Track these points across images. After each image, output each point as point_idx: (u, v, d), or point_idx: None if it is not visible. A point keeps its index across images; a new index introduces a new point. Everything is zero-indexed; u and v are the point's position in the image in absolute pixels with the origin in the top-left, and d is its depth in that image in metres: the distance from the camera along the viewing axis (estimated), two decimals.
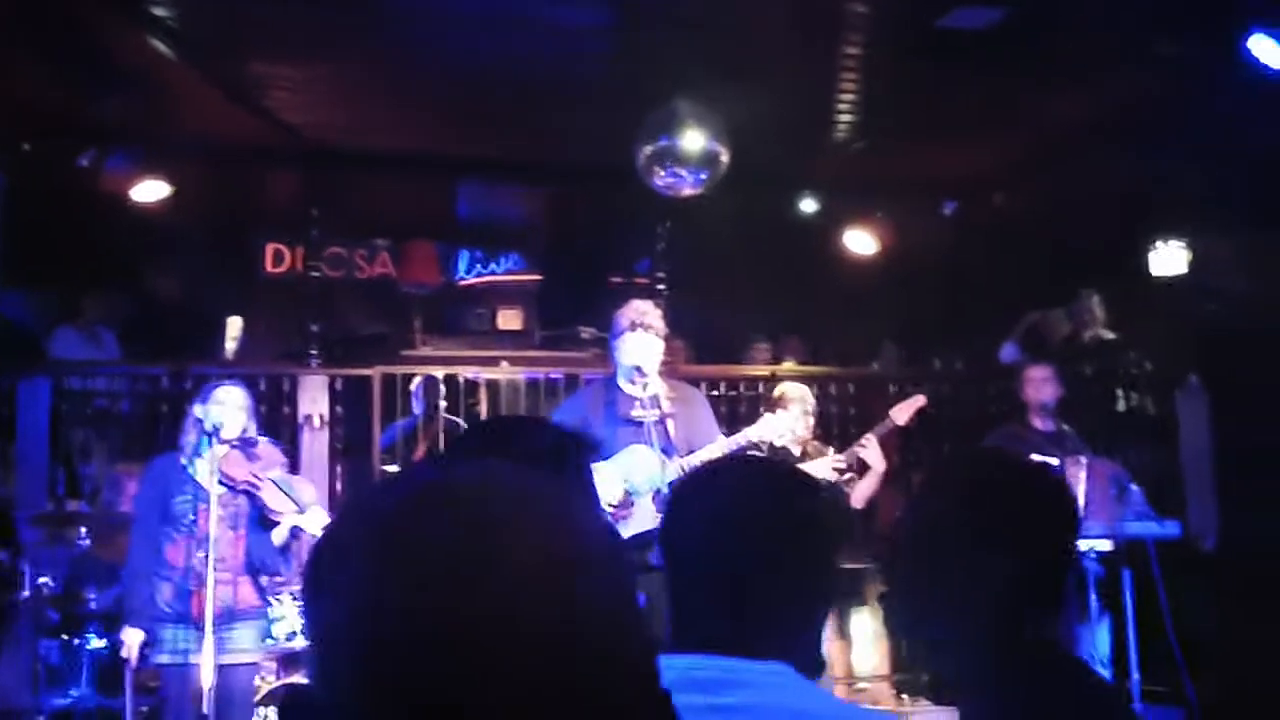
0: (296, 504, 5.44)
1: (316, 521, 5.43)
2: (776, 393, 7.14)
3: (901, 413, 7.01)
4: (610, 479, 5.34)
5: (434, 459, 8.08)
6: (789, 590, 1.73)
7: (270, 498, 5.39)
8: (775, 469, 2.01)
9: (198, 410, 5.51)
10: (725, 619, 1.66)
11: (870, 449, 6.76)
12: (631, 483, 5.35)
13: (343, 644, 0.84)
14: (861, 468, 6.83)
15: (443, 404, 8.64)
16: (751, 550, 1.70)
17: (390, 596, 0.83)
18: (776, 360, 10.27)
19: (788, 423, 5.95)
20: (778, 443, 6.42)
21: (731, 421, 8.82)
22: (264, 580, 5.58)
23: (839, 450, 7.12)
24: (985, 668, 1.85)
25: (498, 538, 0.84)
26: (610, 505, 5.30)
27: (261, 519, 5.41)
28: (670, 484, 5.22)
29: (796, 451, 6.88)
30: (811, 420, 7.03)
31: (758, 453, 5.70)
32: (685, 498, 1.84)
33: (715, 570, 1.68)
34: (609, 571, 0.89)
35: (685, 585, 1.70)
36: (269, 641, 5.89)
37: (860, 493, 6.87)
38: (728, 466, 2.34)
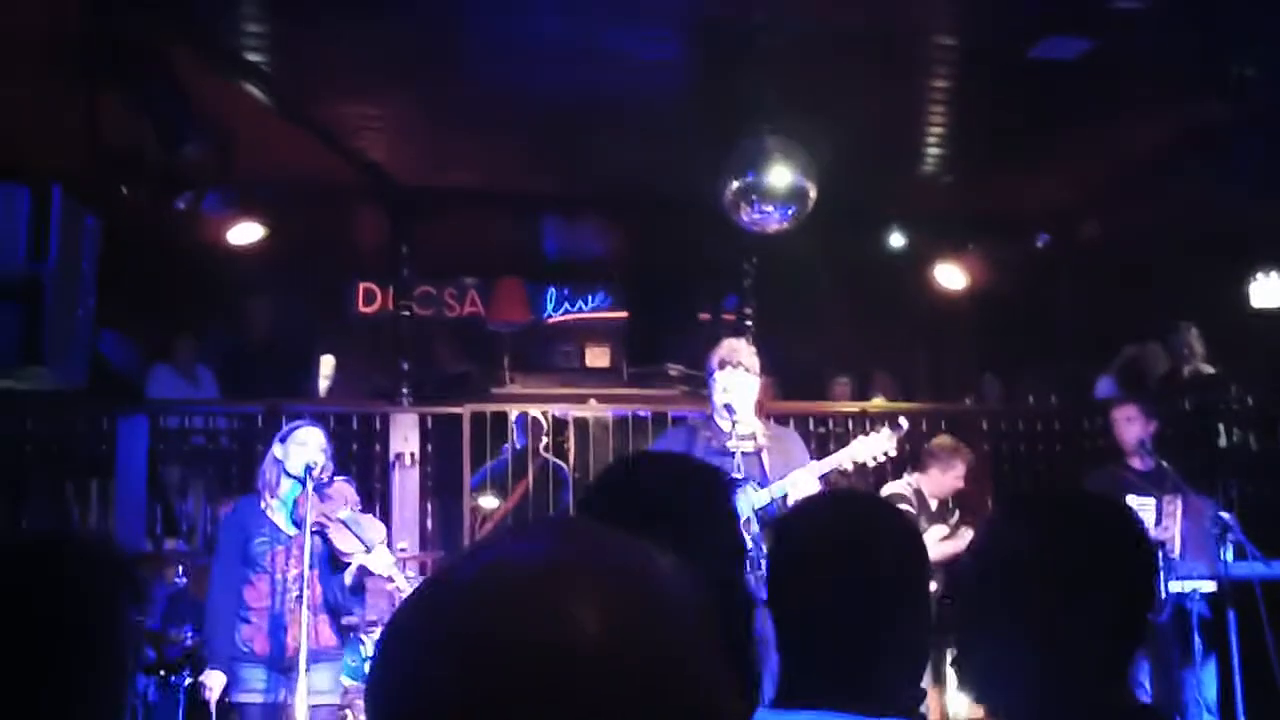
0: (364, 543, 5.45)
1: (382, 561, 5.43)
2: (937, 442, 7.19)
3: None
4: None
5: (519, 529, 8.11)
6: (905, 636, 1.68)
7: (338, 538, 5.41)
8: (882, 503, 1.92)
9: (277, 450, 5.57)
10: (842, 669, 1.60)
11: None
12: None
13: None
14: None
15: (544, 441, 8.70)
16: (869, 591, 1.64)
17: (438, 689, 0.81)
18: (864, 396, 10.18)
19: (880, 444, 5.87)
20: (869, 460, 6.35)
21: (821, 457, 8.76)
22: (343, 620, 5.60)
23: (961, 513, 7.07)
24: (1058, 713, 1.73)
25: (552, 632, 0.81)
26: None
27: (332, 559, 5.44)
28: (770, 514, 5.19)
29: (939, 506, 6.89)
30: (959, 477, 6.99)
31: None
32: (794, 528, 1.78)
33: (830, 614, 1.62)
34: (688, 650, 0.85)
35: (797, 632, 1.64)
36: (347, 681, 5.90)
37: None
38: (836, 498, 2.25)
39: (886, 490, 6.88)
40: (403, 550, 6.80)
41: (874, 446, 5.84)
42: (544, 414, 9.00)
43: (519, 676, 0.79)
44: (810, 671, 1.60)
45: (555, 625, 0.81)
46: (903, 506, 6.17)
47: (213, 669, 5.36)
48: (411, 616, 0.87)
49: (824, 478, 5.60)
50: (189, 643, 6.50)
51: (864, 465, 6.16)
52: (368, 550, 5.45)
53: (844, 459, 5.75)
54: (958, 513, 7.07)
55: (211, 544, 7.36)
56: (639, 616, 0.84)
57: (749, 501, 5.28)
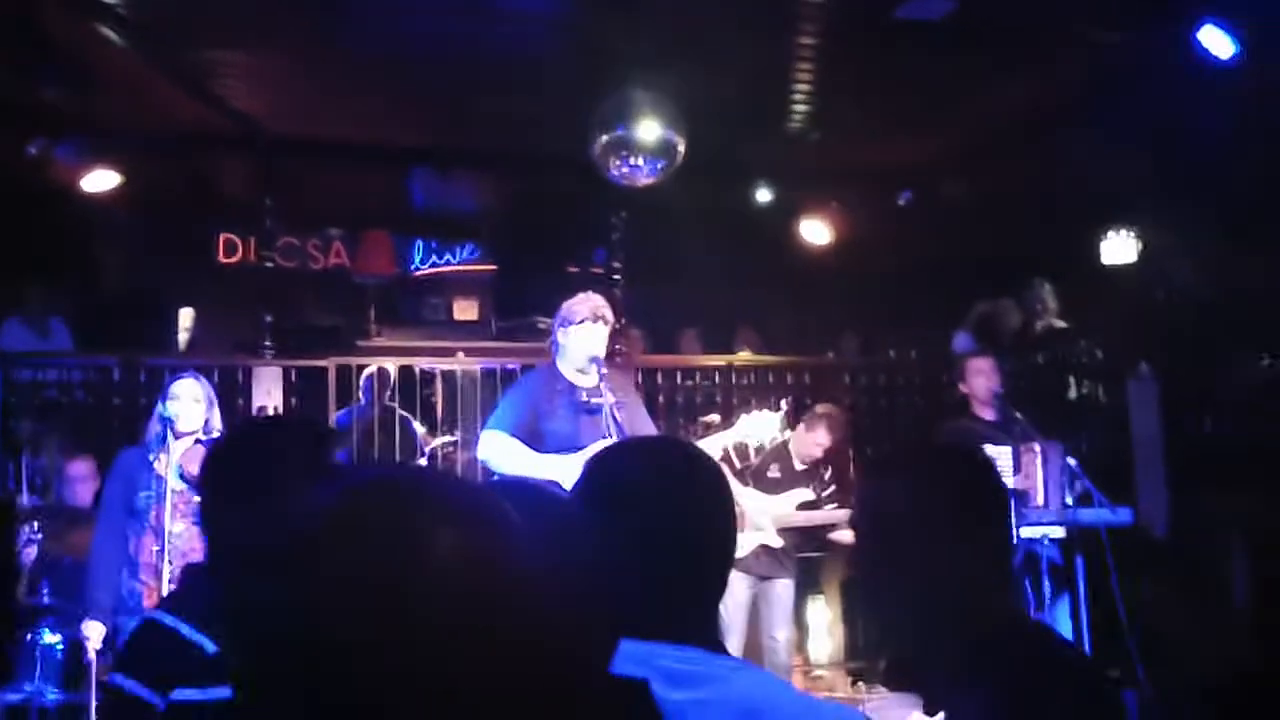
0: None
1: None
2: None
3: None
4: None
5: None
6: (709, 571, 1.79)
7: None
8: (683, 449, 2.00)
9: (160, 407, 5.47)
10: (658, 604, 1.67)
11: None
12: None
13: (271, 651, 0.85)
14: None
15: (389, 395, 8.62)
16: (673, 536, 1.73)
17: (314, 610, 0.83)
18: (729, 349, 10.31)
19: (764, 427, 5.94)
20: (753, 442, 6.45)
21: (687, 412, 8.87)
22: None
23: (833, 477, 7.19)
24: (957, 649, 1.93)
25: (419, 549, 0.85)
26: None
27: None
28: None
29: (807, 466, 6.99)
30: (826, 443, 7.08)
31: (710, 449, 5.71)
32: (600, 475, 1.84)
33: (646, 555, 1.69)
34: (530, 578, 0.89)
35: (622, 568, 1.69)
36: None
37: (839, 539, 6.99)
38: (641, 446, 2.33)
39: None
40: None
41: (759, 429, 5.91)
42: (410, 366, 8.94)
43: (377, 600, 0.83)
44: (634, 604, 1.67)
45: (411, 548, 0.85)
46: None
47: (93, 619, 5.26)
48: (285, 540, 0.89)
49: None
50: (45, 599, 6.34)
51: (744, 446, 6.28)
52: None
53: (729, 439, 5.83)
54: (829, 473, 7.18)
55: (65, 501, 7.21)
56: (487, 545, 0.88)
57: None
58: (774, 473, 6.94)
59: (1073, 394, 8.64)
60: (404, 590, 0.83)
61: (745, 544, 6.79)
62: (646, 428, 5.68)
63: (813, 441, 7.02)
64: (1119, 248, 9.26)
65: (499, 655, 0.84)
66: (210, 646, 2.14)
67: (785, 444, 7.05)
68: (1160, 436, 7.52)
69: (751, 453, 6.87)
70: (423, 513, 0.88)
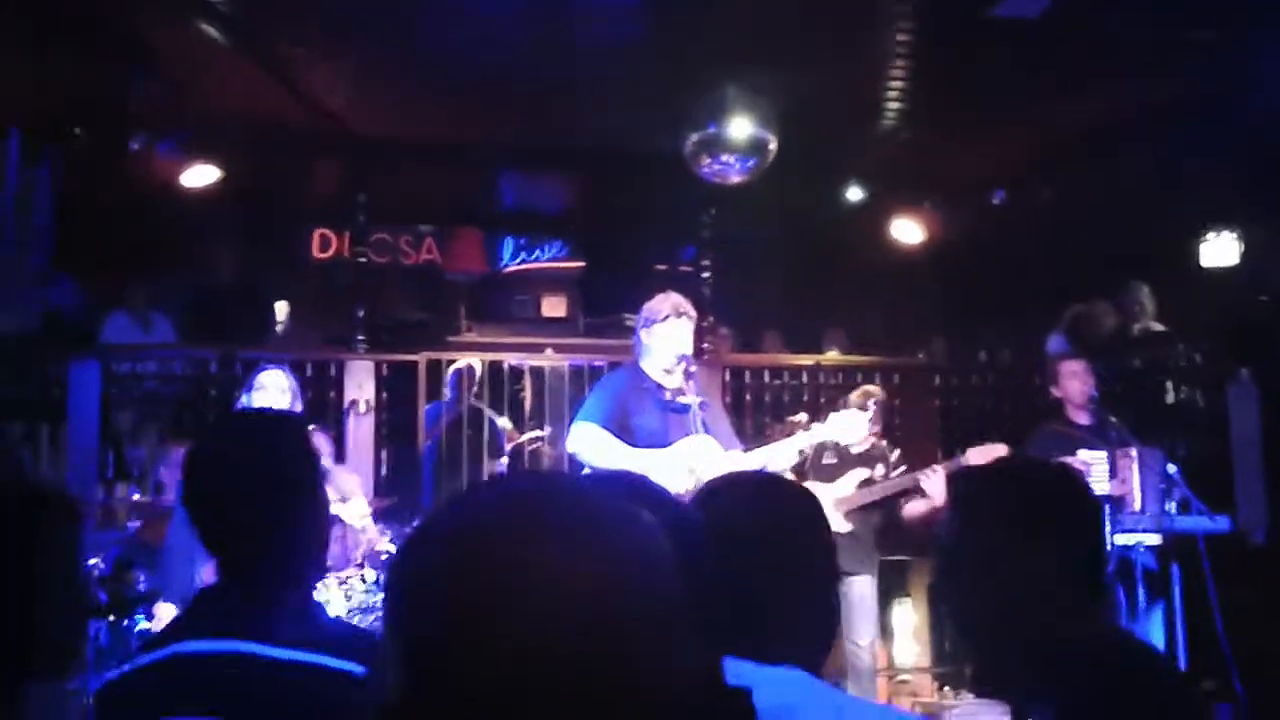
0: (339, 493, 5.45)
1: (356, 512, 5.44)
2: (857, 392, 7.10)
3: (978, 456, 6.86)
4: (674, 468, 5.29)
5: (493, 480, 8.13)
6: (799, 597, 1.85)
7: None
8: (775, 485, 2.10)
9: (244, 400, 5.55)
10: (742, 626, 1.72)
11: (934, 480, 6.63)
12: (698, 473, 5.32)
13: (426, 655, 0.86)
14: (919, 489, 6.72)
15: (473, 392, 8.68)
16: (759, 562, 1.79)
17: (445, 621, 0.84)
18: (818, 350, 10.25)
19: (852, 426, 5.88)
20: (843, 441, 6.39)
21: (774, 411, 8.83)
22: None
23: (900, 453, 7.07)
24: (1034, 661, 1.95)
25: (538, 569, 0.86)
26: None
27: None
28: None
29: (865, 448, 6.86)
30: (876, 424, 6.93)
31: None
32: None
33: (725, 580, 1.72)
34: (654, 586, 0.90)
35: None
36: None
37: (911, 513, 6.80)
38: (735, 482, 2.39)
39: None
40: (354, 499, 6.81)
41: (846, 427, 5.85)
42: (499, 362, 9.00)
43: (502, 622, 0.84)
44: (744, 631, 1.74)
45: (537, 576, 0.86)
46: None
47: (165, 602, 5.36)
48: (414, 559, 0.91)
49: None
50: (141, 587, 6.47)
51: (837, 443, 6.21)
52: (343, 500, 5.45)
53: (818, 437, 5.78)
54: (895, 452, 7.05)
55: (162, 490, 7.35)
56: (598, 567, 0.88)
57: (717, 467, 5.27)
58: (829, 459, 6.81)
59: (1170, 399, 8.47)
60: (548, 603, 0.85)
61: None
62: (725, 434, 5.65)
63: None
64: (1219, 250, 9.06)
65: (624, 670, 0.85)
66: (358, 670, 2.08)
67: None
68: (1260, 442, 7.34)
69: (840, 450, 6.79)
70: (568, 534, 0.89)
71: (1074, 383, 6.97)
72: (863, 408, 6.73)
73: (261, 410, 4.94)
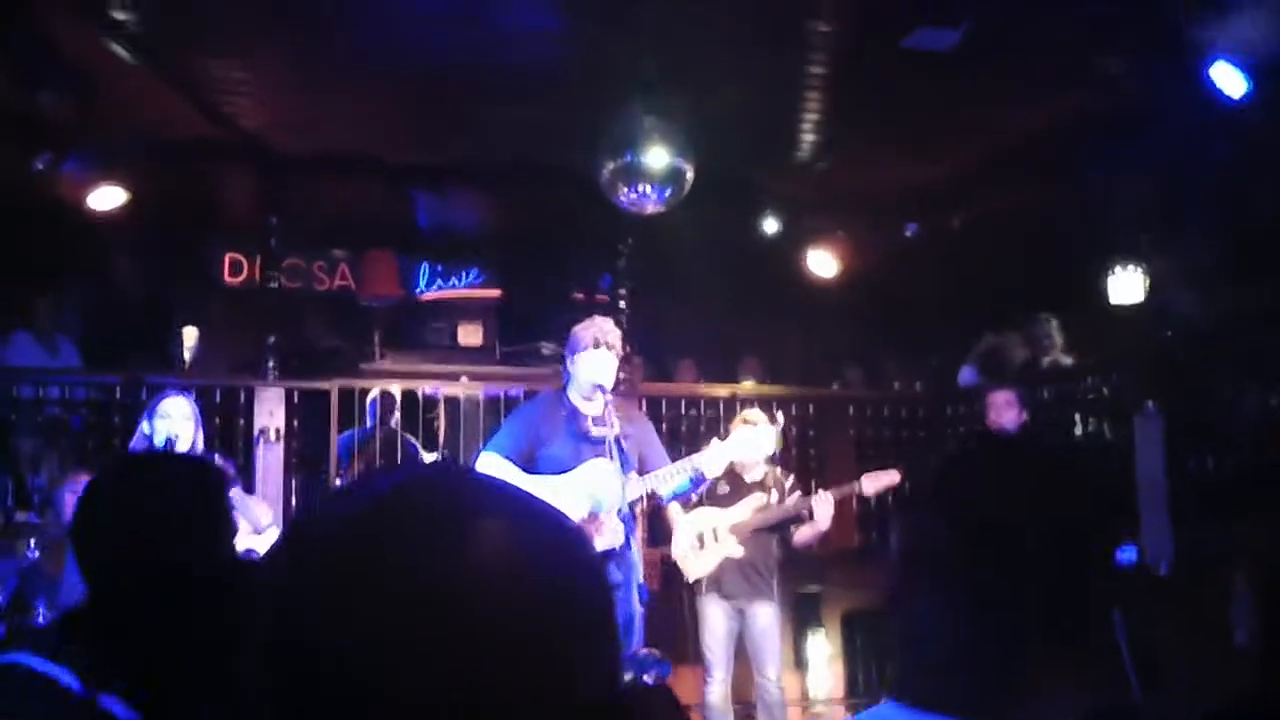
0: (252, 525, 5.35)
1: (271, 542, 5.34)
2: (738, 419, 7.09)
3: (871, 483, 6.91)
4: (572, 495, 5.30)
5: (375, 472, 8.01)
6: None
7: None
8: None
9: (144, 426, 5.44)
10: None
11: (823, 504, 6.68)
12: (596, 499, 5.31)
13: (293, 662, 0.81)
14: (810, 513, 6.75)
15: (395, 418, 8.59)
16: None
17: (339, 617, 0.79)
18: (733, 379, 10.28)
19: (760, 442, 5.88)
20: (747, 458, 6.41)
21: (690, 441, 8.83)
22: None
23: (798, 480, 7.11)
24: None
25: (458, 553, 0.81)
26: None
27: None
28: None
29: (759, 477, 6.86)
30: (771, 450, 6.95)
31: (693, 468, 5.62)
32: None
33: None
34: (582, 581, 0.85)
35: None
36: None
37: (799, 540, 6.83)
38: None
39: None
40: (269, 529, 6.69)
41: (755, 443, 5.84)
42: (413, 390, 8.91)
43: (408, 595, 0.79)
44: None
45: (445, 545, 0.81)
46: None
47: None
48: (306, 541, 0.86)
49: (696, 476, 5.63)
50: (40, 620, 6.29)
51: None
52: (257, 532, 5.35)
53: (725, 456, 5.75)
54: (789, 478, 7.06)
55: (62, 518, 7.16)
56: (526, 546, 0.84)
57: (623, 492, 5.26)
58: (723, 487, 6.80)
59: (1079, 430, 8.60)
60: (449, 588, 0.79)
61: (708, 560, 6.69)
62: (657, 457, 5.65)
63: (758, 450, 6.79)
64: (1126, 284, 9.23)
65: (537, 656, 0.80)
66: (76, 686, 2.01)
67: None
68: (1165, 473, 7.47)
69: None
70: (471, 504, 0.84)
71: (1011, 412, 7.15)
72: (750, 425, 6.75)
73: (165, 452, 4.84)
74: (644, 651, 5.08)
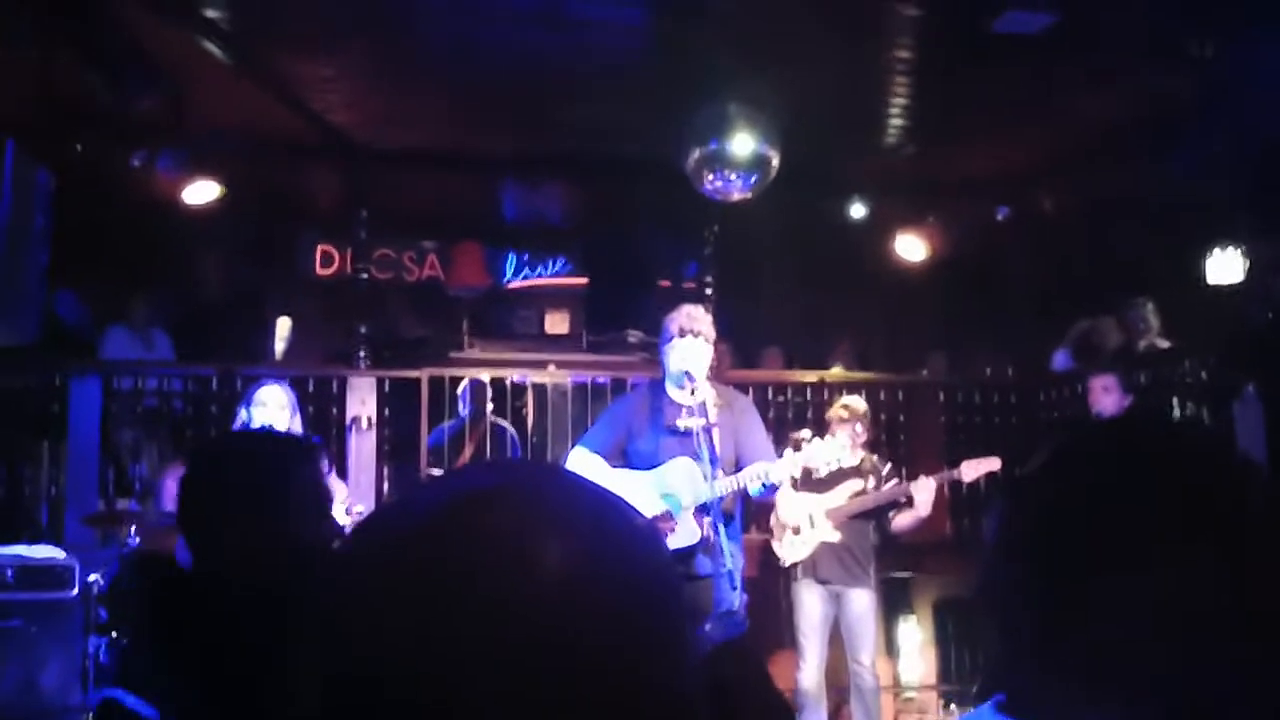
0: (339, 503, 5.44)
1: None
2: (837, 406, 7.06)
3: (971, 469, 6.86)
4: (649, 493, 5.27)
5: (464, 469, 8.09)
6: None
7: None
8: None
9: (242, 415, 5.54)
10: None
11: (923, 490, 6.64)
12: (672, 496, 5.27)
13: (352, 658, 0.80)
14: (909, 499, 6.72)
15: (490, 407, 8.63)
16: None
17: (402, 620, 0.78)
18: (822, 366, 10.21)
19: (832, 451, 5.82)
20: (825, 467, 6.33)
21: (779, 426, 8.79)
22: None
23: (893, 465, 7.07)
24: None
25: (523, 561, 0.80)
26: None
27: None
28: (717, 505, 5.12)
29: (856, 462, 6.83)
30: (864, 436, 6.93)
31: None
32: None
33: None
34: (654, 591, 0.84)
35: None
36: None
37: (899, 525, 6.80)
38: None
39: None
40: (359, 513, 6.78)
41: (831, 451, 5.77)
42: (501, 378, 8.96)
43: (477, 609, 0.78)
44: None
45: (517, 559, 0.80)
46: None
47: None
48: (373, 545, 0.85)
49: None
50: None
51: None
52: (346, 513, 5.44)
53: (801, 463, 5.65)
54: (886, 465, 7.04)
55: (162, 507, 7.32)
56: (598, 559, 0.83)
57: (708, 489, 5.19)
58: (820, 474, 6.76)
59: (1176, 415, 8.43)
60: (507, 608, 0.78)
61: (805, 546, 6.68)
62: (756, 445, 5.54)
63: (844, 439, 6.74)
64: (1224, 266, 9.02)
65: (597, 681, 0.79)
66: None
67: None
68: (1265, 456, 7.30)
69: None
70: (537, 521, 0.83)
71: (1111, 396, 7.05)
72: (844, 422, 6.74)
73: (269, 430, 4.92)
74: (721, 614, 5.02)
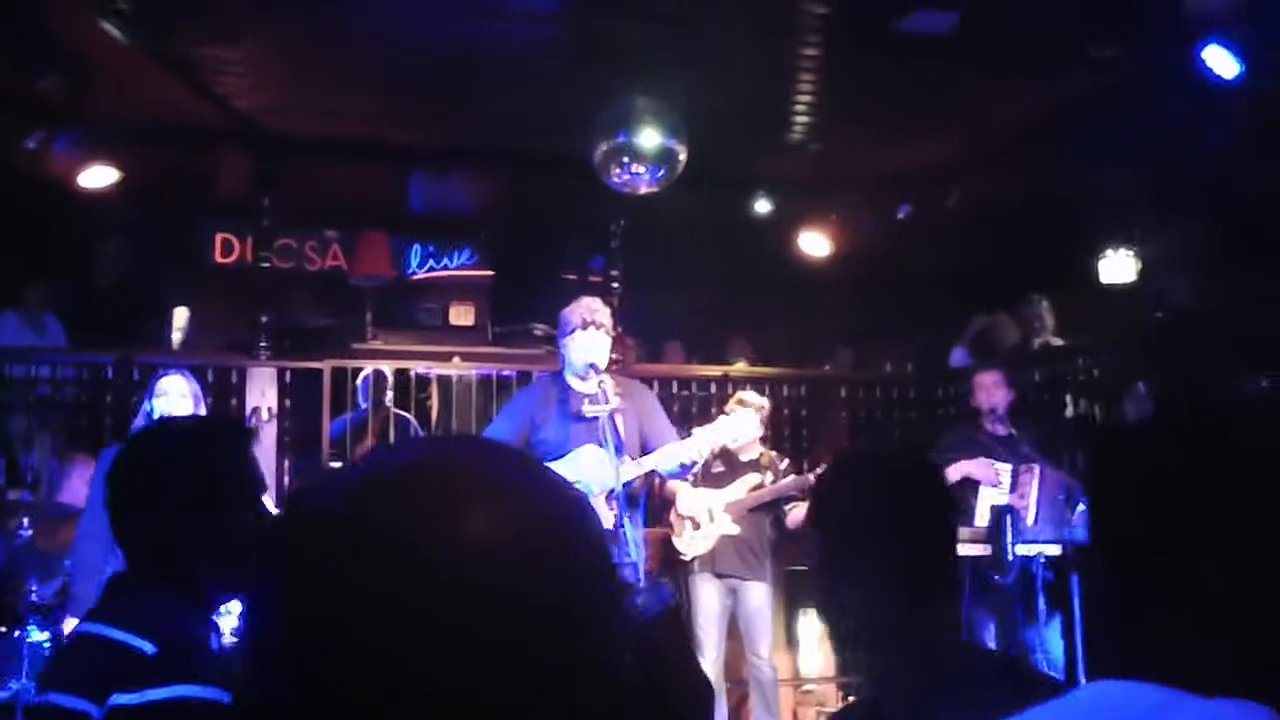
0: None
1: None
2: (733, 400, 7.14)
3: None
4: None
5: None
6: None
7: None
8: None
9: (146, 405, 5.45)
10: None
11: None
12: (584, 482, 5.31)
13: (289, 646, 0.80)
14: (805, 493, 6.80)
15: (389, 397, 8.57)
16: None
17: (333, 597, 0.79)
18: (724, 361, 10.28)
19: (741, 427, 5.90)
20: (731, 446, 6.44)
21: (683, 421, 8.83)
22: None
23: (792, 461, 7.17)
24: (881, 639, 2.05)
25: (455, 528, 0.81)
26: None
27: None
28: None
29: (754, 456, 6.91)
30: (761, 430, 7.04)
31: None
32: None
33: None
34: (586, 558, 0.85)
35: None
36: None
37: (794, 519, 6.89)
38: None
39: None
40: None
41: (740, 427, 5.86)
42: (405, 370, 8.90)
43: (409, 577, 0.78)
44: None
45: (440, 523, 0.81)
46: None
47: (72, 617, 5.23)
48: (304, 523, 0.85)
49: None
50: (34, 596, 6.29)
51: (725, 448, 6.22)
52: None
53: (712, 440, 5.74)
54: (785, 463, 7.14)
55: (56, 497, 7.18)
56: (522, 522, 0.83)
57: (615, 475, 5.25)
58: (718, 467, 6.87)
59: (1070, 412, 8.62)
60: (439, 577, 0.79)
61: (704, 540, 6.75)
62: (660, 430, 5.65)
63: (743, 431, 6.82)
64: (1117, 266, 9.25)
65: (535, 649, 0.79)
66: (148, 648, 2.05)
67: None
68: None
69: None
70: (468, 488, 0.84)
71: (996, 393, 7.15)
72: (747, 408, 6.83)
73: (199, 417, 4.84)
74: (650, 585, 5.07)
